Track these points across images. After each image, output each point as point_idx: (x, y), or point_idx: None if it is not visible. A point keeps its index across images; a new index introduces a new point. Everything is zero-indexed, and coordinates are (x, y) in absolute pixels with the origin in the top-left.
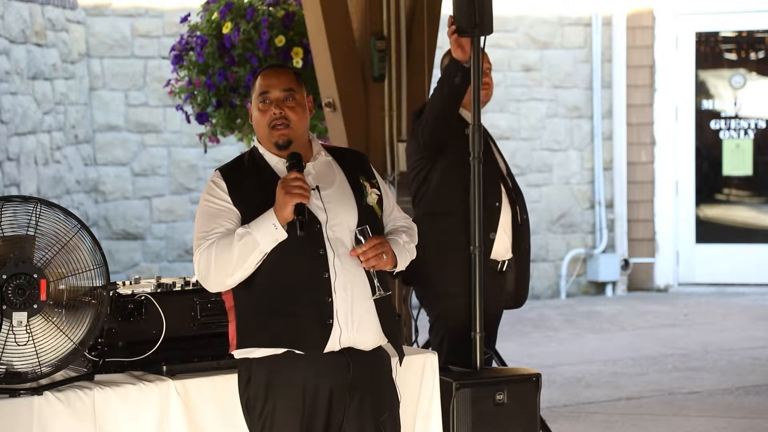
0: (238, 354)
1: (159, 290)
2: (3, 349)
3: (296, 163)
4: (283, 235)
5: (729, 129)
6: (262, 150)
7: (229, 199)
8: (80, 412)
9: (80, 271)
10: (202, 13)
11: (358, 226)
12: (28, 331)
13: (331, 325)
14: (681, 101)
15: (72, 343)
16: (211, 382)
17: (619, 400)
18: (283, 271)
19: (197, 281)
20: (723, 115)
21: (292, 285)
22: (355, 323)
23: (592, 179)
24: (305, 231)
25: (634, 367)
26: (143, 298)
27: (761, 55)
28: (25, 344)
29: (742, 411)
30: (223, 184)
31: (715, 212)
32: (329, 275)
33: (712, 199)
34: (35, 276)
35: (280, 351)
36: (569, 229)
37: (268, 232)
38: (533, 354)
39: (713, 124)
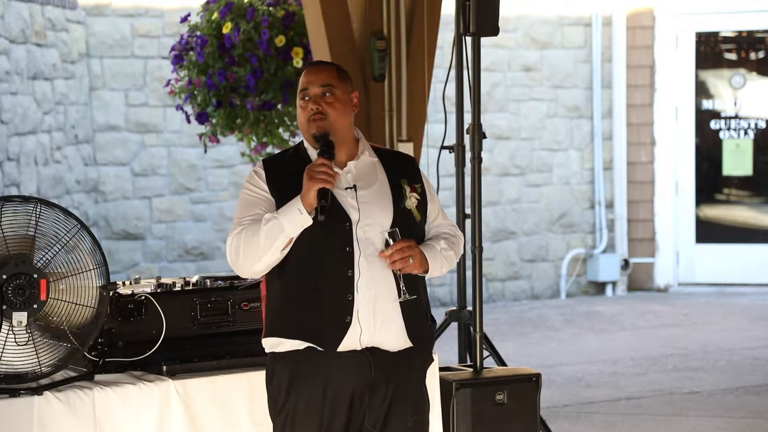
0: (266, 345)
1: (159, 290)
2: (3, 349)
3: (326, 149)
4: (308, 221)
5: (729, 129)
6: (306, 145)
7: (266, 188)
8: (80, 412)
9: (80, 271)
10: (202, 13)
11: (390, 229)
12: (28, 331)
13: (349, 323)
14: (681, 101)
15: (72, 343)
16: (211, 382)
17: (619, 400)
18: (310, 264)
19: (197, 281)
20: (723, 115)
21: (317, 279)
22: (377, 323)
23: (592, 179)
24: (325, 216)
25: (634, 367)
26: (143, 298)
27: (761, 55)
28: (25, 344)
29: (742, 411)
30: (263, 174)
31: (715, 212)
32: (353, 273)
33: (712, 199)
34: (35, 276)
35: (302, 346)
36: (569, 229)
37: (294, 217)
38: (533, 354)
39: (713, 124)
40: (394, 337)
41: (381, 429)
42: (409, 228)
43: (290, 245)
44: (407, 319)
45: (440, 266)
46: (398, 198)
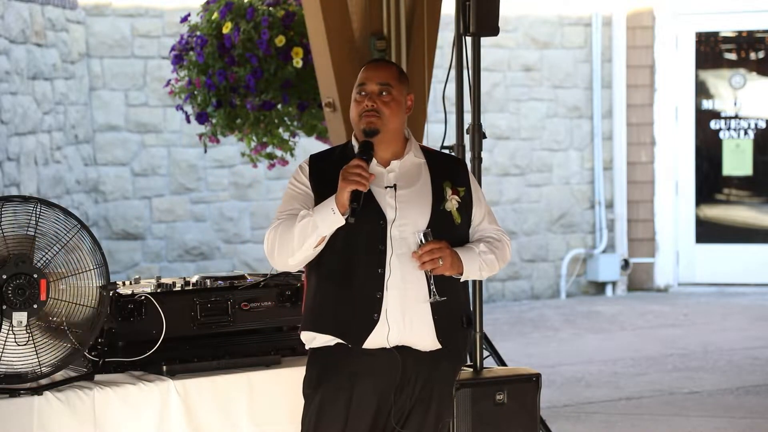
0: (303, 339)
1: (159, 290)
2: (3, 349)
3: (363, 151)
4: (340, 221)
5: (729, 129)
6: (354, 143)
7: (308, 183)
8: (80, 412)
9: (80, 271)
10: (202, 13)
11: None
12: (28, 331)
13: (376, 321)
14: (681, 101)
15: (72, 343)
16: (211, 382)
17: (619, 400)
18: (343, 261)
19: (197, 281)
20: (723, 115)
21: (349, 276)
22: (406, 323)
23: (592, 179)
24: (355, 218)
25: (634, 367)
26: (143, 298)
27: (761, 55)
28: (25, 344)
29: (742, 411)
30: (307, 169)
31: (715, 212)
32: (383, 271)
33: (712, 199)
34: (35, 276)
35: (333, 342)
36: (569, 229)
37: (327, 217)
38: (533, 354)
39: (713, 124)
40: (424, 337)
41: (402, 426)
42: (446, 230)
43: (324, 243)
44: (438, 321)
45: (478, 269)
46: (438, 199)
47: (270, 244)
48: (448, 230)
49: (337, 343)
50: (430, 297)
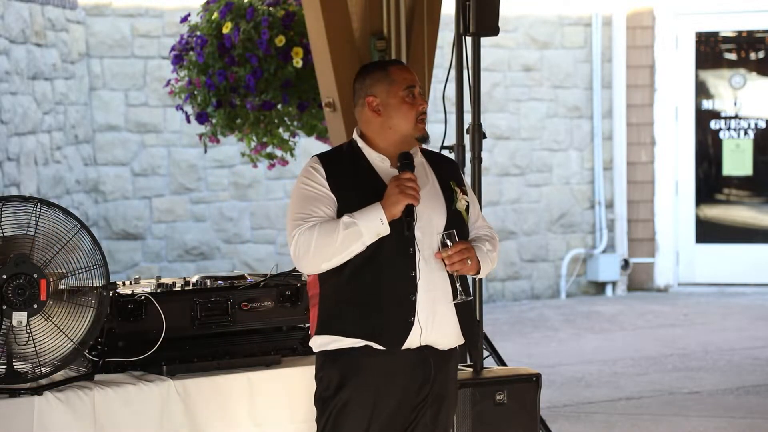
0: (316, 342)
1: (159, 290)
2: (3, 349)
3: (409, 163)
4: (386, 231)
5: (729, 129)
6: (361, 144)
7: (326, 184)
8: (80, 412)
9: (80, 271)
10: (202, 13)
11: (445, 230)
12: (28, 331)
13: (412, 323)
14: (681, 101)
15: (72, 343)
16: (211, 382)
17: (619, 400)
18: (373, 265)
19: (197, 281)
20: (723, 115)
21: (380, 280)
22: (435, 324)
23: (592, 179)
24: (410, 231)
25: (634, 367)
26: (143, 298)
27: (761, 55)
28: (25, 344)
29: (742, 411)
30: (322, 170)
31: (715, 212)
32: (415, 274)
33: (712, 199)
34: (35, 276)
35: (358, 344)
36: (569, 229)
37: (374, 226)
38: (533, 354)
39: (713, 124)
40: (448, 336)
41: (423, 425)
42: (460, 229)
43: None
44: (462, 320)
45: (487, 268)
46: (449, 200)
47: (303, 246)
48: (462, 229)
49: (364, 346)
50: (455, 297)
